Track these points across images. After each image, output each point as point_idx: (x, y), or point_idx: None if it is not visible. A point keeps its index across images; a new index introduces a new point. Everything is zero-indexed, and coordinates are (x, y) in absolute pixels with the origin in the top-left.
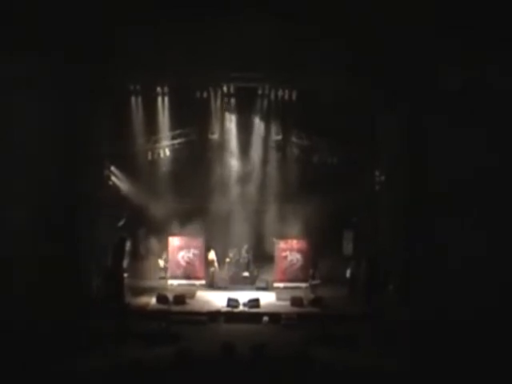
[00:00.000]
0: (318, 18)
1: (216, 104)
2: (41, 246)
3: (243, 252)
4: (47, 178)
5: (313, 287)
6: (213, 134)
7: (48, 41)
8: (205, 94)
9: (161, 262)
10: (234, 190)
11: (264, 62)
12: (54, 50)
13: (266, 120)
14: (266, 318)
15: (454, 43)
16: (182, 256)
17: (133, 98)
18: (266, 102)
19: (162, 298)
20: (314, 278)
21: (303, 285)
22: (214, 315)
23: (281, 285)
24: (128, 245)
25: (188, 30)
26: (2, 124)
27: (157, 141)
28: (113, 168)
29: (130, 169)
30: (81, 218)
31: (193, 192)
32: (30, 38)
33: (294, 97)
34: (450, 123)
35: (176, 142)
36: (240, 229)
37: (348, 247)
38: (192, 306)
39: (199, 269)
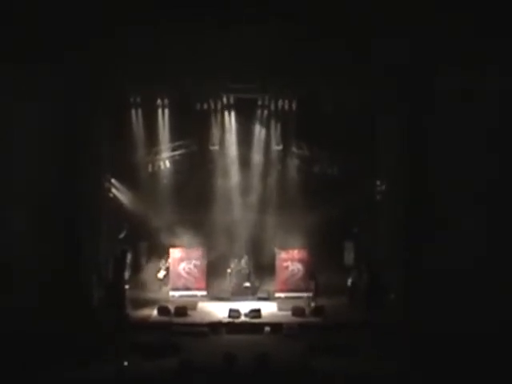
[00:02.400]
0: (318, 18)
1: (216, 115)
2: (41, 247)
3: (243, 262)
4: (47, 178)
5: (313, 298)
6: (213, 145)
7: (48, 41)
8: (205, 106)
9: (161, 274)
10: (235, 201)
11: (264, 62)
12: (54, 50)
13: (267, 130)
14: (267, 328)
15: (454, 43)
16: (183, 267)
17: (133, 111)
18: (266, 113)
19: (163, 310)
20: (315, 289)
21: (305, 294)
22: (216, 326)
23: (282, 295)
24: (129, 257)
25: (188, 30)
26: (2, 124)
27: (157, 152)
28: (113, 180)
29: (131, 181)
30: (81, 220)
31: (193, 203)
32: (29, 38)
33: (293, 107)
34: (450, 123)
35: (176, 153)
36: (241, 239)
37: (349, 257)
38: (193, 317)
39: (200, 280)
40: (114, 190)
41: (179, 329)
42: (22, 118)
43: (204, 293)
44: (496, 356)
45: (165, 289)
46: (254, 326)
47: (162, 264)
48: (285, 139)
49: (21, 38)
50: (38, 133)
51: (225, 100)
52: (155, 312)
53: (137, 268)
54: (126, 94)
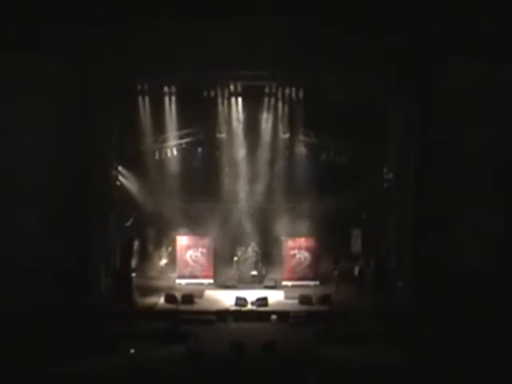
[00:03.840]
0: (318, 16)
1: (223, 103)
2: (45, 244)
3: (250, 250)
4: (49, 177)
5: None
6: (220, 132)
7: (48, 41)
8: (212, 93)
9: (162, 262)
10: (242, 189)
11: (264, 62)
12: (54, 50)
13: (274, 118)
14: (274, 317)
15: (455, 41)
16: (190, 255)
17: (140, 98)
18: (273, 101)
19: (170, 298)
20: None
21: (311, 283)
22: (223, 314)
23: (289, 283)
24: (136, 244)
25: (188, 30)
26: (3, 124)
27: (164, 140)
28: (120, 168)
29: (138, 168)
30: (89, 218)
31: (200, 191)
32: (30, 37)
33: (301, 95)
34: (451, 121)
35: (184, 141)
36: (248, 227)
37: (356, 244)
38: (200, 305)
39: (207, 268)
40: (121, 178)
41: (186, 316)
42: (22, 119)
43: (211, 281)
44: (500, 347)
45: (171, 276)
46: (260, 315)
47: (164, 252)
48: (292, 127)
49: (21, 37)
50: (38, 133)
51: (232, 88)
52: (162, 300)
53: (144, 255)
54: (128, 93)
